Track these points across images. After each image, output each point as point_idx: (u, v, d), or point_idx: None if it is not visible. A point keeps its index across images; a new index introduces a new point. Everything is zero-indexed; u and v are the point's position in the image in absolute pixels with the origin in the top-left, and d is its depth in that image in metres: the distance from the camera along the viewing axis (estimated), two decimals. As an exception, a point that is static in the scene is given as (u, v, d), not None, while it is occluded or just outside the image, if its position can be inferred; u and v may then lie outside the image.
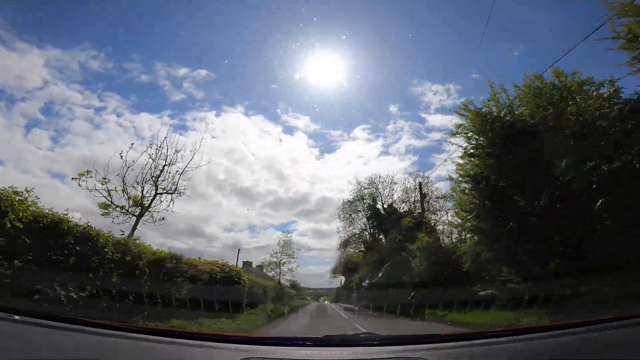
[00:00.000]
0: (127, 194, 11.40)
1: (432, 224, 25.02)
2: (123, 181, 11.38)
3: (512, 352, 1.66)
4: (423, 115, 70.35)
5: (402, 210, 31.91)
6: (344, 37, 35.21)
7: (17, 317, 1.74)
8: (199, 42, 57.82)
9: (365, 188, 37.16)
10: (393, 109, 67.54)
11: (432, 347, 1.72)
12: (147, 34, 57.65)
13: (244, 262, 39.76)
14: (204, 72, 63.48)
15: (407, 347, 1.73)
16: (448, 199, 23.51)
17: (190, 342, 1.73)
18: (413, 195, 33.04)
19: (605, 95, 8.81)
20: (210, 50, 61.54)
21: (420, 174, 37.06)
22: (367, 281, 29.71)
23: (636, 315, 1.87)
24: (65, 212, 6.48)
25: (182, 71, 61.86)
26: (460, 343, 1.76)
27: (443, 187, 34.52)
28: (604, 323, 1.83)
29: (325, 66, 34.54)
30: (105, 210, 11.21)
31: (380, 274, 23.52)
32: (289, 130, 78.36)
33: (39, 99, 50.73)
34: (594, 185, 7.67)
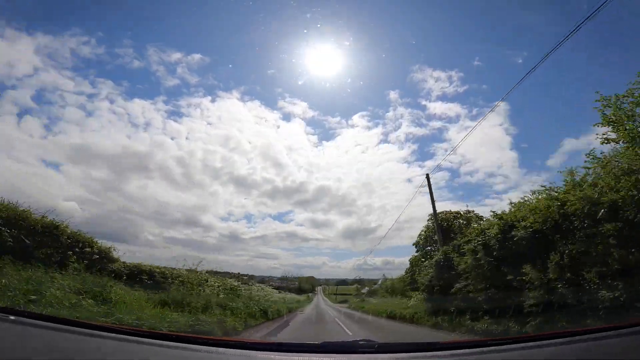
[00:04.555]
0: None
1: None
2: None
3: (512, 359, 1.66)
4: (424, 102, 70.07)
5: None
6: (343, 21, 34.71)
7: (12, 318, 1.74)
8: (192, 25, 56.89)
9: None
10: (393, 95, 67.24)
11: (431, 355, 1.72)
12: (138, 18, 56.75)
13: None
14: (197, 56, 63.19)
15: (405, 354, 1.72)
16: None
17: (188, 345, 1.73)
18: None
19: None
20: (204, 33, 60.84)
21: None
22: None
23: (634, 323, 1.87)
24: None
25: (176, 56, 61.44)
26: (459, 352, 1.76)
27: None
28: (603, 332, 1.84)
29: (324, 50, 33.17)
30: None
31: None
32: (287, 116, 77.67)
33: (30, 87, 50.44)
34: None
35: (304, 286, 69.56)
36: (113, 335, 1.76)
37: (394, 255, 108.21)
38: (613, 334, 1.80)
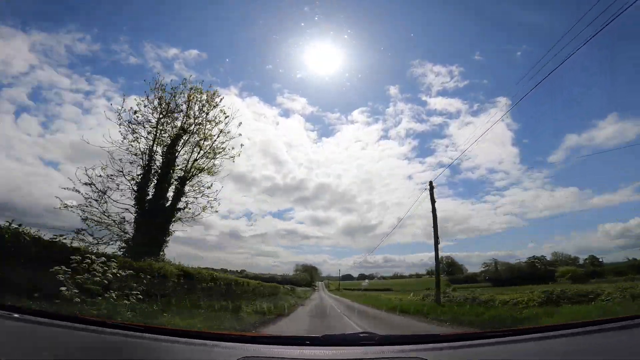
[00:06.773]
0: None
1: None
2: None
3: (512, 352, 1.66)
4: (424, 98, 69.57)
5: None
6: (341, 15, 34.06)
7: (16, 315, 1.75)
8: (187, 20, 54.79)
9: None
10: (393, 91, 66.47)
11: (432, 347, 1.72)
12: (133, 14, 54.71)
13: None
14: (194, 52, 61.96)
15: (406, 347, 1.73)
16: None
17: (189, 340, 1.74)
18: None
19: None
20: (200, 29, 59.07)
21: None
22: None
23: (636, 315, 1.88)
24: None
25: (172, 52, 59.96)
26: (460, 343, 1.77)
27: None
28: (604, 324, 1.85)
29: (322, 45, 31.88)
30: None
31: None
32: (286, 112, 76.03)
33: (26, 85, 49.44)
34: None
35: (298, 278, 58.63)
36: (116, 330, 1.77)
37: (394, 253, 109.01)
38: (616, 326, 1.81)
